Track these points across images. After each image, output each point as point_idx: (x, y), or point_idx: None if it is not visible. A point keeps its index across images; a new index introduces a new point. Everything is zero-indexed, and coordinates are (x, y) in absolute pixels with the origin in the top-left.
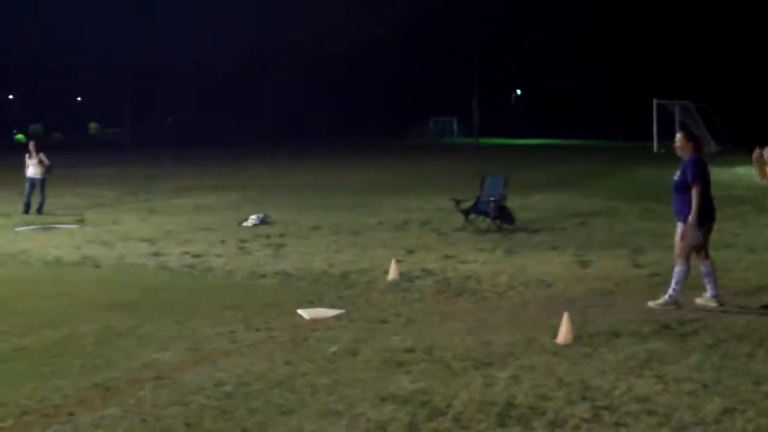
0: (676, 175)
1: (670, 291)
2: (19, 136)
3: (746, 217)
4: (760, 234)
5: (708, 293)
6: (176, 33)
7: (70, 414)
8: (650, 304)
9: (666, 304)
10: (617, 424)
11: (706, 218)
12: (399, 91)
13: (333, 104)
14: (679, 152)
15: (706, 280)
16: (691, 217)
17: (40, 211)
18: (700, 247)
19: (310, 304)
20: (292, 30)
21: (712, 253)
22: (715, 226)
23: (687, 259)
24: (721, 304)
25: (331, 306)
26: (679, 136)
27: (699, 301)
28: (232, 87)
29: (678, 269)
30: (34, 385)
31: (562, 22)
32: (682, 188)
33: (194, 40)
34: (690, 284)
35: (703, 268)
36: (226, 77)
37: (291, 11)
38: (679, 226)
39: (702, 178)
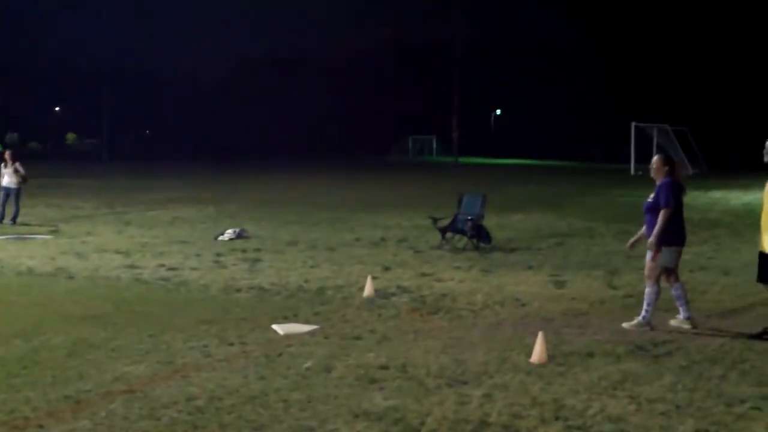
0: (650, 198)
1: (643, 312)
2: None
3: (720, 241)
4: (734, 257)
5: (681, 315)
6: (157, 45)
7: (40, 426)
8: (624, 325)
9: (639, 325)
10: None
11: (676, 241)
12: (380, 109)
13: (314, 122)
14: (653, 174)
15: (678, 303)
16: (651, 238)
17: (14, 221)
18: (670, 270)
19: (285, 319)
20: (275, 46)
21: (686, 275)
22: (690, 249)
23: (656, 280)
24: (694, 327)
25: (306, 321)
26: (655, 158)
27: (673, 322)
28: (212, 101)
29: (648, 290)
30: (3, 396)
31: (544, 44)
32: (654, 210)
33: (176, 52)
34: (664, 306)
35: (674, 291)
36: (207, 91)
37: (274, 26)
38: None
39: (675, 201)
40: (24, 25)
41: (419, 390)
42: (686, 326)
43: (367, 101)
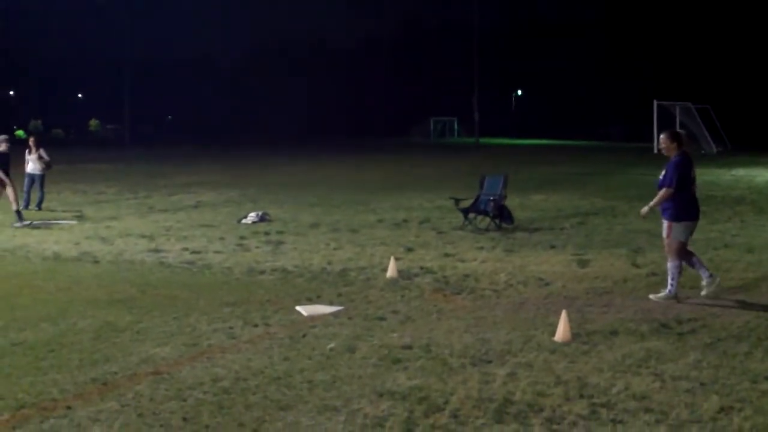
0: (662, 175)
1: (669, 287)
2: (19, 132)
3: (745, 218)
4: (758, 234)
5: (667, 289)
6: (177, 31)
7: (68, 408)
8: (651, 296)
9: (666, 297)
10: (614, 422)
11: (687, 216)
12: (401, 91)
13: (335, 103)
14: (665, 152)
15: (670, 275)
16: (645, 208)
17: (39, 206)
18: (684, 245)
19: (309, 300)
20: (293, 29)
21: (710, 252)
22: (714, 227)
23: (677, 255)
24: (679, 301)
25: (330, 303)
26: (662, 137)
27: (704, 293)
28: (233, 85)
29: (670, 265)
30: (31, 379)
31: (564, 23)
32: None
33: (195, 38)
34: (689, 284)
35: (670, 263)
36: (227, 76)
37: (292, 10)
38: (665, 224)
39: (681, 181)
40: (45, 15)
41: (443, 369)
42: (714, 282)
43: (387, 83)
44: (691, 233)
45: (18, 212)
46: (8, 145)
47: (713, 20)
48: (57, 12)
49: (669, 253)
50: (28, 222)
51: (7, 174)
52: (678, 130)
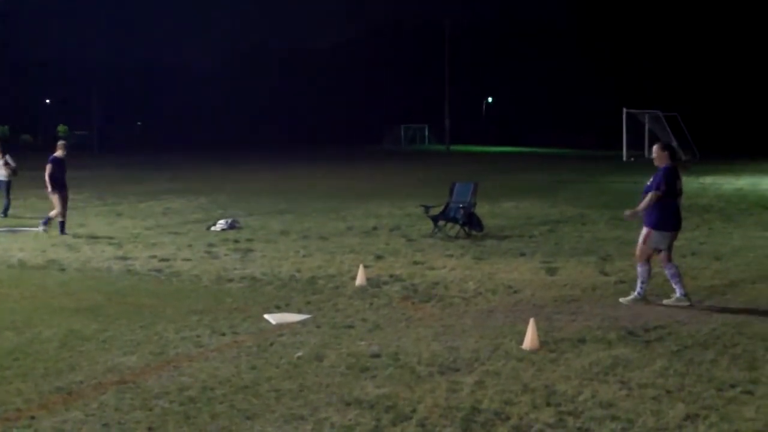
0: (649, 181)
1: (638, 289)
2: None
3: (712, 226)
4: (726, 242)
5: (677, 293)
6: (150, 37)
7: (32, 418)
8: (621, 300)
9: (635, 300)
10: (581, 430)
11: (668, 226)
12: (372, 98)
13: (305, 112)
14: (656, 162)
15: (673, 282)
16: (628, 211)
17: (5, 213)
18: (665, 252)
19: (277, 308)
20: (267, 36)
21: (678, 260)
22: (681, 235)
23: (647, 259)
24: (690, 303)
25: (298, 311)
26: (655, 147)
27: (667, 302)
28: (205, 92)
29: (640, 269)
30: None
31: (535, 32)
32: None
33: (168, 44)
34: (656, 292)
35: (668, 271)
36: (199, 82)
37: (266, 18)
38: (644, 230)
39: (668, 188)
40: (15, 19)
41: (411, 378)
42: (683, 303)
43: (358, 91)
44: (670, 243)
45: (58, 222)
46: (64, 151)
47: (683, 29)
48: (26, 18)
49: (639, 257)
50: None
51: (62, 182)
52: (670, 143)
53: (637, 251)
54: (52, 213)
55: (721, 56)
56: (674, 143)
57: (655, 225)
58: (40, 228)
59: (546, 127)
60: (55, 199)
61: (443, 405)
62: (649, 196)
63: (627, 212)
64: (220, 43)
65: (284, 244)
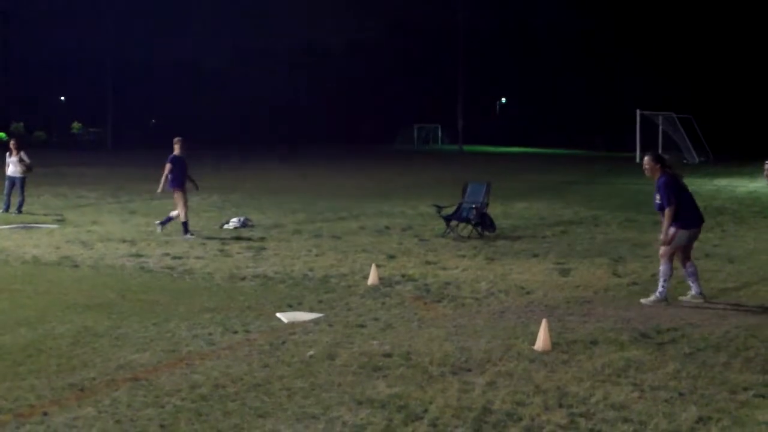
0: (657, 199)
1: (660, 289)
2: (1, 135)
3: (726, 228)
4: (739, 245)
5: (693, 291)
6: (161, 33)
7: (45, 414)
8: (642, 300)
9: (656, 300)
10: (593, 431)
11: (689, 224)
12: (387, 97)
13: (318, 111)
14: (648, 174)
15: (689, 280)
16: (661, 237)
17: (19, 210)
18: (684, 251)
19: (289, 307)
20: (280, 34)
21: None
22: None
23: (670, 259)
24: (707, 300)
25: (310, 310)
26: (645, 159)
27: (683, 299)
28: (218, 90)
29: (662, 268)
30: (8, 384)
31: (548, 32)
32: (664, 210)
33: (179, 41)
34: (674, 294)
35: (686, 269)
36: (213, 80)
37: (279, 15)
38: (671, 230)
39: (676, 196)
40: (29, 16)
41: (423, 378)
42: (697, 300)
43: (371, 90)
44: (693, 240)
45: (184, 224)
46: (183, 149)
47: (698, 30)
48: (40, 14)
49: (662, 256)
50: (192, 236)
51: (180, 181)
52: (660, 153)
53: (661, 251)
54: (173, 213)
55: (737, 58)
56: (688, 145)
57: (681, 225)
58: (158, 228)
59: (559, 128)
60: (178, 197)
61: (455, 405)
62: (667, 213)
63: (661, 238)
64: (235, 42)
65: (297, 243)
